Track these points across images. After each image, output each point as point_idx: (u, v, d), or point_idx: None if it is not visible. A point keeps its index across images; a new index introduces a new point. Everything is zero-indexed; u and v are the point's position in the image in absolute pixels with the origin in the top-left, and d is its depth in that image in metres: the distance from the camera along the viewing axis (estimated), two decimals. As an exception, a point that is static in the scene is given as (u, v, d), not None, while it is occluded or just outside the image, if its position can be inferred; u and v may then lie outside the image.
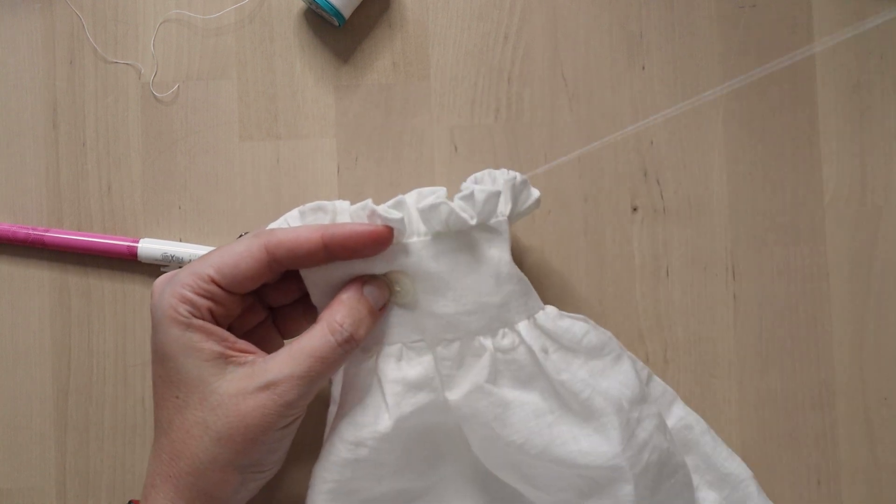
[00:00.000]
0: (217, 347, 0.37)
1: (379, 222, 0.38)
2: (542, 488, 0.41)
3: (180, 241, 0.47)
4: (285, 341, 0.43)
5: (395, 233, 0.38)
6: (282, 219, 0.40)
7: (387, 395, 0.39)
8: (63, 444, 0.47)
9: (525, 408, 0.39)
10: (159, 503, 0.37)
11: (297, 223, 0.40)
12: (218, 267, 0.38)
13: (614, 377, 0.40)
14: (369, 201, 0.39)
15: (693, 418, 0.44)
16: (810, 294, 0.47)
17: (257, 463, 0.38)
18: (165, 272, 0.46)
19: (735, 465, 0.44)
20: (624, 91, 0.47)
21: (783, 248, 0.47)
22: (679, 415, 0.44)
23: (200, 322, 0.37)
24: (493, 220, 0.40)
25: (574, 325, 0.40)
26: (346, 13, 0.46)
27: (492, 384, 0.39)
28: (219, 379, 0.37)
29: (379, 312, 0.39)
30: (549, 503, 0.41)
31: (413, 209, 0.39)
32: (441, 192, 0.40)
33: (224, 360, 0.37)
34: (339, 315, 0.38)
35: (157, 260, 0.46)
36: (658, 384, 0.45)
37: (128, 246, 0.47)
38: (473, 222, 0.39)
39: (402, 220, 0.38)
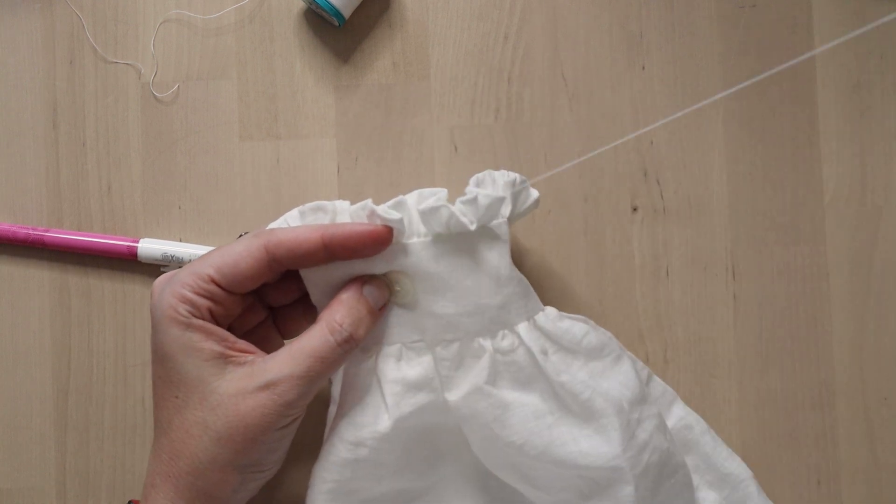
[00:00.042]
0: (217, 347, 0.37)
1: (378, 222, 0.38)
2: (542, 489, 0.40)
3: (180, 241, 0.47)
4: (285, 341, 0.43)
5: (395, 233, 0.38)
6: (281, 219, 0.40)
7: (386, 396, 0.39)
8: (63, 444, 0.47)
9: (524, 409, 0.39)
10: (159, 503, 0.37)
11: (296, 223, 0.40)
12: (218, 267, 0.38)
13: (614, 378, 0.40)
14: (369, 201, 0.39)
15: (693, 418, 0.44)
16: (810, 294, 0.47)
17: (257, 463, 0.38)
18: (165, 272, 0.46)
19: (735, 465, 0.44)
20: (624, 91, 0.47)
21: (783, 248, 0.47)
22: (679, 415, 0.44)
23: (200, 322, 0.37)
24: (493, 223, 0.40)
25: (574, 327, 0.40)
26: (346, 13, 0.46)
27: (491, 385, 0.39)
28: (218, 379, 0.37)
29: (379, 312, 0.39)
30: (550, 503, 0.41)
31: (413, 210, 0.39)
32: (442, 193, 0.40)
33: (224, 359, 0.37)
34: (338, 315, 0.38)
35: (157, 260, 0.46)
36: (658, 384, 0.45)
37: (128, 246, 0.47)
38: (473, 227, 0.39)
39: (401, 220, 0.38)
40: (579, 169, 0.47)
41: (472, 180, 0.41)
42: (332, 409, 0.42)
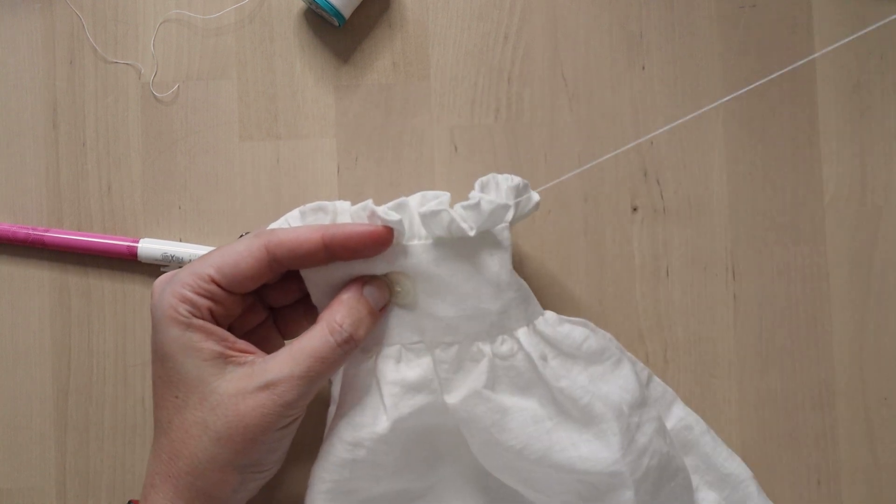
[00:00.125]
0: (217, 347, 0.37)
1: (379, 223, 0.38)
2: (542, 491, 0.40)
3: (180, 241, 0.47)
4: (286, 342, 0.43)
5: (396, 234, 0.38)
6: (282, 219, 0.40)
7: (385, 397, 0.39)
8: (63, 444, 0.47)
9: (523, 414, 0.39)
10: (158, 503, 0.37)
11: (297, 223, 0.40)
12: (218, 266, 0.38)
13: (614, 382, 0.40)
14: (370, 202, 0.39)
15: (693, 419, 0.44)
16: (810, 294, 0.47)
17: (257, 463, 0.38)
18: (165, 272, 0.46)
19: (735, 466, 0.44)
20: (624, 91, 0.47)
21: (783, 248, 0.47)
22: (679, 415, 0.44)
23: (200, 322, 0.37)
24: (495, 228, 0.40)
25: (574, 331, 0.40)
26: (346, 13, 0.46)
27: (490, 390, 0.39)
28: (218, 379, 0.37)
29: (379, 313, 0.39)
30: None
31: (415, 212, 0.39)
32: (444, 197, 0.40)
33: (224, 359, 0.37)
34: (338, 315, 0.38)
35: (157, 260, 0.46)
36: (658, 385, 0.45)
37: (128, 246, 0.47)
38: (472, 233, 0.39)
39: (401, 221, 0.38)
40: (579, 169, 0.47)
41: (477, 184, 0.41)
42: (332, 409, 0.42)
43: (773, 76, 0.42)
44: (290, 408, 0.37)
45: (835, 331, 0.47)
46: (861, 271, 0.47)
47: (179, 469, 0.37)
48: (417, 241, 0.39)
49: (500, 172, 0.42)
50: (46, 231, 0.47)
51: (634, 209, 0.47)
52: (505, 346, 0.39)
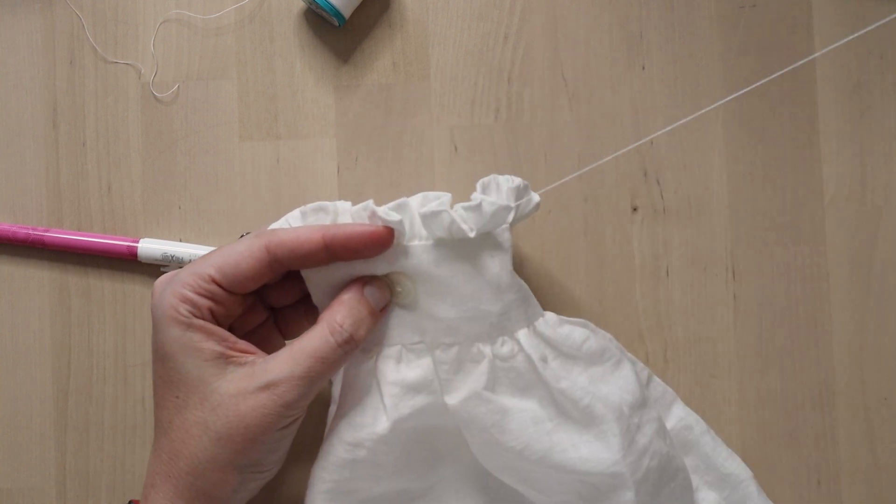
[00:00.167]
0: (217, 347, 0.37)
1: (379, 223, 0.38)
2: (542, 492, 0.40)
3: (180, 241, 0.47)
4: (286, 342, 0.43)
5: (396, 234, 0.38)
6: (283, 219, 0.40)
7: (385, 397, 0.39)
8: (63, 444, 0.47)
9: (524, 415, 0.39)
10: (159, 503, 0.37)
11: (298, 223, 0.40)
12: (219, 267, 0.38)
13: (615, 382, 0.40)
14: (370, 202, 0.39)
15: (693, 419, 0.44)
16: (810, 294, 0.47)
17: (257, 463, 0.38)
18: (165, 272, 0.46)
19: (735, 466, 0.44)
20: (624, 91, 0.47)
21: (783, 248, 0.47)
22: (679, 415, 0.44)
23: (201, 322, 0.37)
24: (496, 229, 0.40)
25: (574, 332, 0.40)
26: (346, 13, 0.46)
27: (490, 391, 0.39)
28: (219, 379, 0.37)
29: (380, 313, 0.39)
30: None
31: (416, 212, 0.39)
32: (445, 198, 0.40)
33: (224, 360, 0.37)
34: (339, 315, 0.38)
35: (157, 260, 0.46)
36: (658, 385, 0.45)
37: (128, 246, 0.47)
38: (472, 234, 0.39)
39: (401, 222, 0.38)
40: (579, 168, 0.47)
41: (479, 185, 0.41)
42: (333, 409, 0.42)
43: (772, 77, 0.42)
44: (290, 408, 0.37)
45: (835, 331, 0.47)
46: (861, 271, 0.47)
47: (180, 469, 0.37)
48: (418, 241, 0.39)
49: (501, 173, 0.42)
50: (46, 231, 0.47)
51: (634, 209, 0.47)
52: (505, 348, 0.39)
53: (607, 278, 0.47)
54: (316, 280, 0.40)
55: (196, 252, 0.46)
